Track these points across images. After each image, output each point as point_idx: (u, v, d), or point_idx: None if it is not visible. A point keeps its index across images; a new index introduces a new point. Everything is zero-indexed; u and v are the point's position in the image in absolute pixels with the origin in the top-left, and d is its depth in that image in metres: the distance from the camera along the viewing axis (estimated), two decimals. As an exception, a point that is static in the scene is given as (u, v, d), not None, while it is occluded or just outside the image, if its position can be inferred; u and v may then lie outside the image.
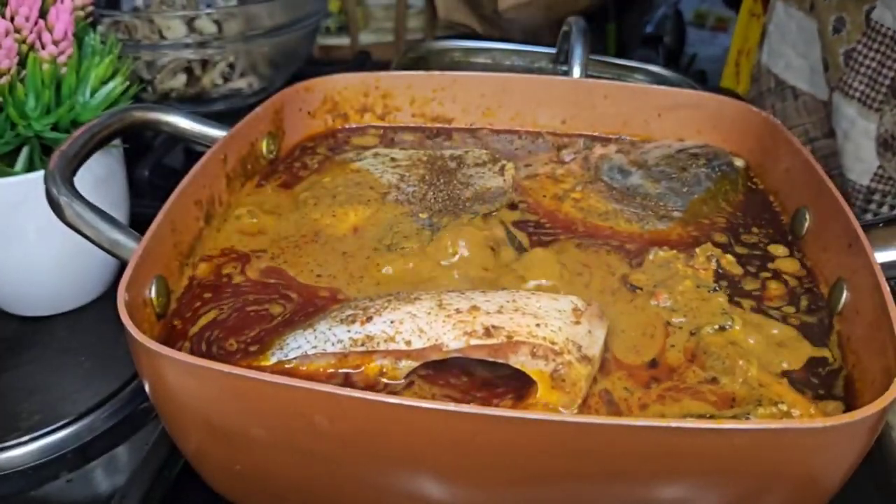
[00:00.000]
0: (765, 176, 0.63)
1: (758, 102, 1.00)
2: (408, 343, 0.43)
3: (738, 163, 0.64)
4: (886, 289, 0.42)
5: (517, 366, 0.42)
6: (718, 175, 0.62)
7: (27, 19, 0.59)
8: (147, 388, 0.42)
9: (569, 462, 0.36)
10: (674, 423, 0.34)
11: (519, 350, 0.42)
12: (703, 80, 1.61)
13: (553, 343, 0.42)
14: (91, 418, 0.56)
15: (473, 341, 0.42)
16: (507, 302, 0.45)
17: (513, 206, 0.60)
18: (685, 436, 0.34)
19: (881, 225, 0.49)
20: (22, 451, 0.54)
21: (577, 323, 0.44)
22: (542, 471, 0.37)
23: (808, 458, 0.36)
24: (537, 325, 0.43)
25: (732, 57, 1.20)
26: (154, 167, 0.83)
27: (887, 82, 0.79)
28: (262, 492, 0.44)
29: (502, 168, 0.64)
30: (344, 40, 1.30)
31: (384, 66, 1.05)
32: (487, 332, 0.42)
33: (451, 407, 0.36)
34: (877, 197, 0.81)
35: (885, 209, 0.81)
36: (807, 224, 0.54)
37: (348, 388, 0.37)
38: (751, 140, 0.65)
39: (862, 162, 0.81)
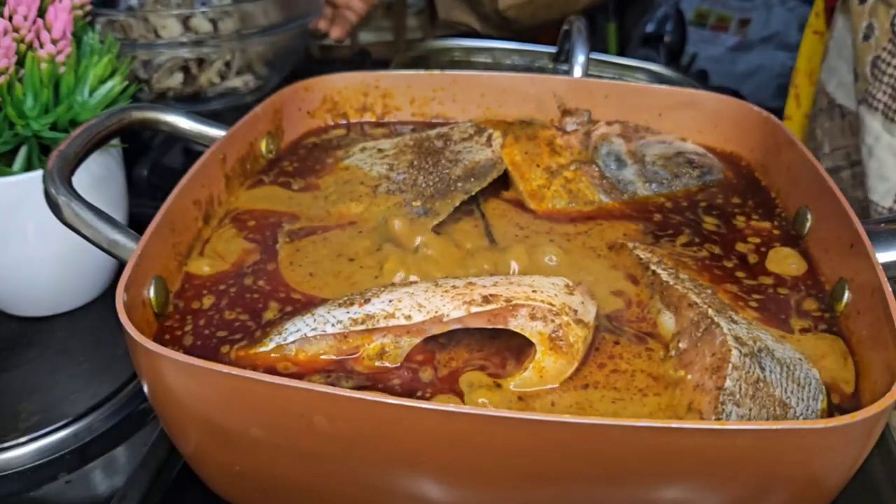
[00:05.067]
0: (766, 175, 0.63)
1: (812, 122, 0.91)
2: (408, 318, 0.43)
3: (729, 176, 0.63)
4: (888, 289, 0.42)
5: (517, 329, 0.43)
6: (702, 188, 0.61)
7: (25, 18, 0.58)
8: (146, 388, 0.42)
9: (569, 462, 0.36)
10: (675, 424, 0.34)
11: (518, 313, 0.43)
12: (704, 79, 1.61)
13: (551, 305, 0.43)
14: (90, 419, 0.56)
15: (473, 309, 0.43)
16: (501, 279, 0.45)
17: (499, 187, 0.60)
18: (686, 436, 0.34)
19: (883, 225, 0.49)
20: (20, 452, 0.54)
21: (571, 294, 0.45)
22: (542, 471, 0.37)
23: (809, 458, 0.36)
24: (533, 291, 0.44)
25: (793, 78, 1.12)
26: (153, 167, 0.83)
27: None
28: (261, 493, 0.44)
29: (489, 138, 0.63)
30: (343, 39, 1.29)
31: (384, 65, 1.05)
32: (486, 300, 0.43)
33: (451, 407, 0.36)
34: None
35: None
36: (808, 224, 0.54)
37: (348, 389, 0.37)
38: (752, 139, 0.65)
39: (885, 181, 0.75)
